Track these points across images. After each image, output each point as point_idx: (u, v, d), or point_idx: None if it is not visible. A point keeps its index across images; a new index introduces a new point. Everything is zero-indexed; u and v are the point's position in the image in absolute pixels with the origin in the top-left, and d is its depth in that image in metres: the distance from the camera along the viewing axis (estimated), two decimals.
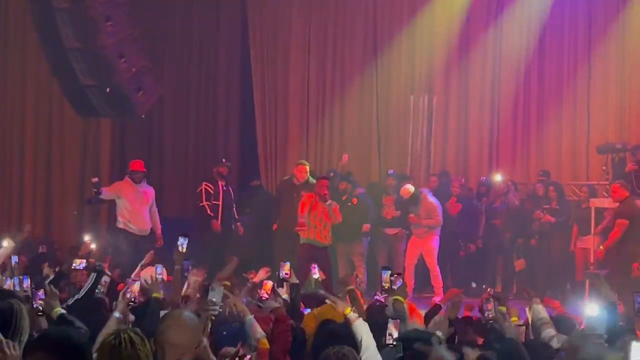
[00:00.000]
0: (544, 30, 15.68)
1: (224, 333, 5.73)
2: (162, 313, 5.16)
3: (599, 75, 15.18)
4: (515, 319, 6.70)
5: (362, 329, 5.34)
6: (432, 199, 13.24)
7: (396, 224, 13.70)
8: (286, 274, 7.63)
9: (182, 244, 7.26)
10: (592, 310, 5.92)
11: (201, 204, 13.40)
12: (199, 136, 16.96)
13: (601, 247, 12.25)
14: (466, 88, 16.35)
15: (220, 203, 13.37)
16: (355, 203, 13.33)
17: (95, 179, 12.27)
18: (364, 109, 16.62)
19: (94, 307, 6.90)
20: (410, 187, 13.30)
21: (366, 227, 13.33)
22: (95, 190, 12.14)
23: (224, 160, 13.85)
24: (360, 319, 5.48)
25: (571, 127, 15.44)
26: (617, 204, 11.71)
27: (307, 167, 13.35)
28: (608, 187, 13.21)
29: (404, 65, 16.64)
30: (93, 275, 7.86)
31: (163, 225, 12.71)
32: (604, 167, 13.68)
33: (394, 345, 4.74)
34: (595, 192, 13.80)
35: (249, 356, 3.98)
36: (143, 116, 14.28)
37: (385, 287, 7.06)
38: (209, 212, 13.32)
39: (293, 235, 12.45)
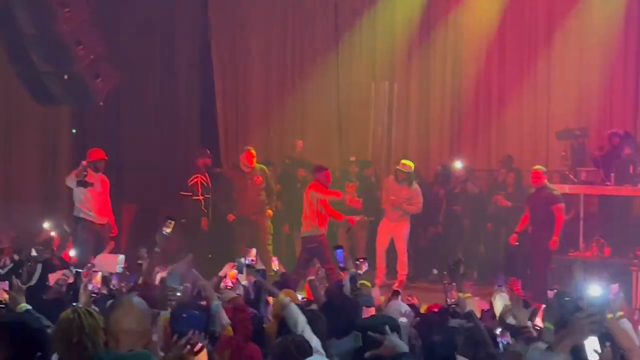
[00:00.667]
0: (504, 17, 15.70)
1: (184, 315, 5.70)
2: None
3: (559, 62, 15.23)
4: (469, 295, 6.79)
5: (294, 310, 5.43)
6: (416, 184, 13.22)
7: (359, 211, 13.67)
8: (252, 260, 7.59)
9: (168, 227, 7.27)
10: (594, 291, 6.00)
11: (196, 198, 13.38)
12: (158, 124, 16.79)
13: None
14: (427, 74, 16.39)
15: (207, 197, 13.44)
16: None
17: (84, 162, 12.01)
18: (325, 96, 16.59)
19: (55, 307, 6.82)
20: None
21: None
22: (85, 173, 11.91)
23: (208, 151, 13.83)
24: (292, 303, 5.56)
25: (531, 114, 15.49)
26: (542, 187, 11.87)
27: (253, 152, 13.07)
28: (567, 173, 13.31)
29: (365, 52, 16.64)
30: (39, 265, 7.76)
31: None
32: (564, 153, 13.75)
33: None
34: (554, 178, 13.87)
35: (200, 344, 3.92)
36: (101, 103, 14.13)
37: (341, 266, 7.07)
38: (203, 207, 13.25)
39: (252, 223, 12.44)
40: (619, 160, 12.26)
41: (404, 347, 4.04)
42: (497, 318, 6.26)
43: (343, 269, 7.11)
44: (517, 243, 12.12)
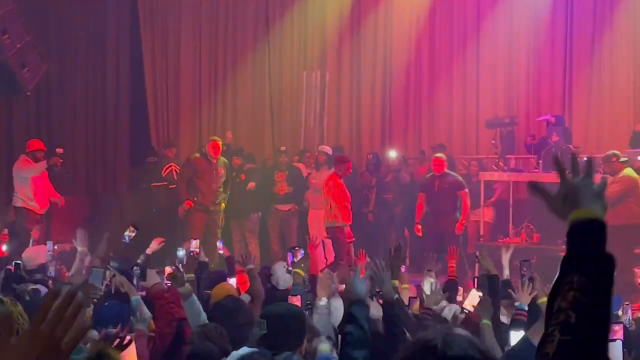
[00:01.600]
0: (434, 6, 15.83)
1: (106, 304, 5.65)
2: None
3: (488, 51, 15.40)
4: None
5: (195, 302, 5.53)
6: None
7: (289, 200, 13.68)
8: (193, 251, 7.53)
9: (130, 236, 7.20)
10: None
11: (172, 187, 13.38)
12: (88, 114, 16.52)
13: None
14: (358, 63, 16.46)
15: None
16: (243, 179, 13.32)
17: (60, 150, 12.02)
18: (256, 85, 16.55)
19: None
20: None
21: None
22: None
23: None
24: (193, 294, 5.64)
25: (461, 102, 15.66)
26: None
27: (220, 143, 12.82)
28: (497, 160, 13.48)
29: (296, 41, 16.64)
30: None
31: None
32: (493, 141, 13.92)
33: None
34: (485, 166, 14.07)
35: (129, 337, 3.88)
36: (29, 93, 13.90)
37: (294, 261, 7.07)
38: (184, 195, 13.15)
39: (210, 213, 12.35)
40: (547, 146, 12.44)
41: (362, 294, 3.99)
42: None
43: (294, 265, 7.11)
44: (421, 234, 12.14)
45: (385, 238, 14.09)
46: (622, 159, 10.91)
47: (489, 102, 15.31)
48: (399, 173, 14.11)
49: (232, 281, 7.43)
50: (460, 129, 15.65)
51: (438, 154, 12.34)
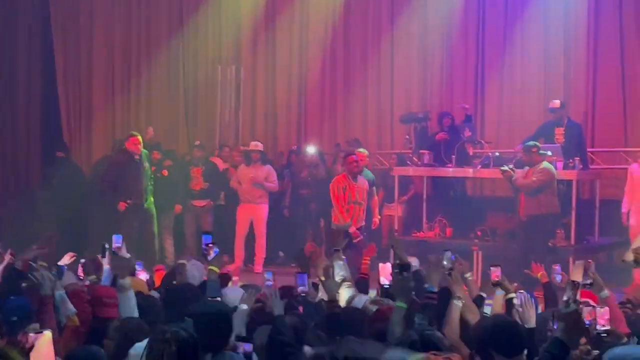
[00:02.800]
0: (349, 1, 15.89)
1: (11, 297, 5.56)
2: None
3: (402, 46, 15.50)
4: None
5: (130, 297, 5.50)
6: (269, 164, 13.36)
7: (204, 196, 13.59)
8: (116, 246, 7.40)
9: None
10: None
11: None
12: None
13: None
14: (274, 58, 16.45)
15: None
16: (165, 175, 13.17)
17: None
18: (170, 80, 16.44)
19: None
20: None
21: (178, 208, 13.36)
22: None
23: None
24: (131, 289, 5.58)
25: (376, 97, 15.73)
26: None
27: (140, 138, 12.37)
28: (411, 155, 13.59)
29: (210, 36, 16.56)
30: None
31: None
32: (407, 136, 14.01)
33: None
34: (400, 161, 14.17)
35: (32, 335, 3.79)
36: None
37: (206, 254, 6.98)
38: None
39: (144, 211, 12.08)
40: (460, 142, 12.60)
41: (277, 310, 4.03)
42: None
43: (205, 257, 7.01)
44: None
45: (301, 234, 14.10)
46: (541, 152, 11.13)
47: (403, 97, 15.42)
48: (316, 169, 14.12)
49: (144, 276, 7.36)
50: (375, 124, 15.74)
51: (361, 149, 12.39)
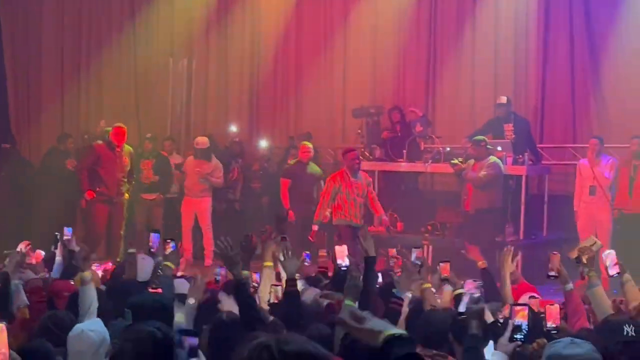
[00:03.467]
0: None
1: None
2: None
3: (355, 41, 15.52)
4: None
5: (90, 290, 5.43)
6: (215, 158, 13.24)
7: (154, 189, 13.50)
8: (66, 238, 7.31)
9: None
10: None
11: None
12: None
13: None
14: (225, 51, 16.39)
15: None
16: None
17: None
18: (121, 72, 16.32)
19: None
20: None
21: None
22: None
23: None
24: (91, 283, 5.52)
25: (328, 91, 15.74)
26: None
27: (125, 129, 12.04)
28: (363, 150, 13.62)
29: (162, 27, 16.45)
30: None
31: None
32: (359, 131, 14.05)
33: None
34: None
35: None
36: None
37: (152, 251, 6.93)
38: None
39: (114, 203, 11.82)
40: (411, 137, 12.66)
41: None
42: None
43: (152, 253, 6.95)
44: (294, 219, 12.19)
45: (252, 227, 14.06)
46: (489, 146, 11.23)
47: (355, 91, 15.43)
48: (267, 162, 14.09)
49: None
50: (327, 118, 15.75)
51: (306, 142, 12.42)
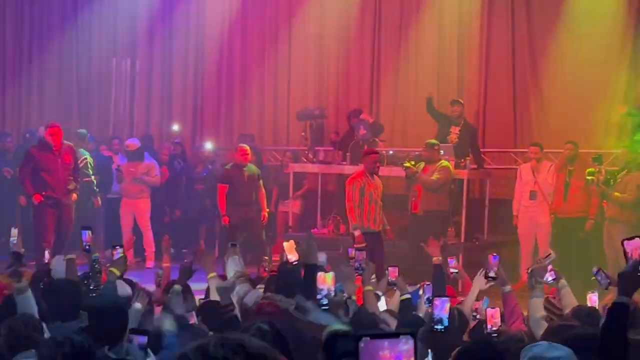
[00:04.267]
0: None
1: None
2: None
3: (299, 43, 15.54)
4: None
5: (29, 297, 5.39)
6: (149, 158, 13.24)
7: (96, 192, 13.38)
8: (12, 239, 7.22)
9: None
10: None
11: (87, 179, 12.70)
12: None
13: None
14: (170, 51, 16.31)
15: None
16: None
17: None
18: (63, 71, 16.13)
19: None
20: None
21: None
22: None
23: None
24: (28, 291, 5.46)
25: (273, 93, 15.74)
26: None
27: (60, 128, 11.69)
28: (307, 152, 13.67)
29: (105, 27, 16.30)
30: None
31: None
32: (303, 133, 14.09)
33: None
34: (295, 158, 14.24)
35: None
36: None
37: (87, 248, 6.87)
38: (95, 187, 12.65)
39: (62, 206, 11.41)
40: (354, 140, 12.70)
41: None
42: None
43: (88, 252, 6.89)
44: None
45: (195, 229, 14.03)
46: (441, 151, 11.38)
47: (299, 94, 15.47)
48: (213, 164, 14.04)
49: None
50: (271, 120, 15.75)
51: (243, 145, 12.37)
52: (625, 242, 3.96)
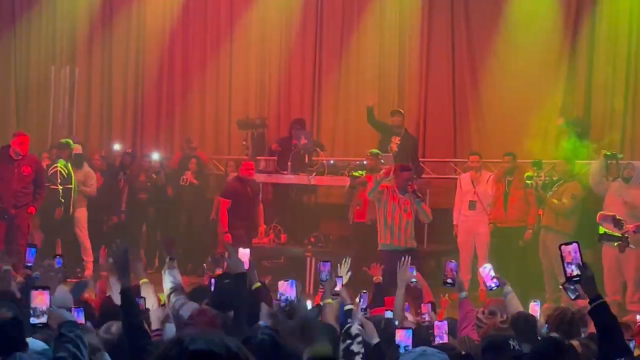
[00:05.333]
0: (188, 4, 15.81)
1: None
2: None
3: (241, 51, 15.52)
4: None
5: None
6: (88, 167, 13.10)
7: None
8: None
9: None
10: None
11: (53, 187, 12.17)
12: None
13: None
14: (110, 59, 16.19)
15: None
16: None
17: None
18: (1, 80, 15.97)
19: None
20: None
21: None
22: None
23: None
24: None
25: (214, 102, 15.68)
26: None
27: (28, 138, 11.51)
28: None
29: (44, 34, 16.15)
30: None
31: None
32: (244, 142, 14.07)
33: None
34: (236, 167, 14.22)
35: None
36: None
37: (28, 265, 6.79)
38: (60, 196, 12.21)
39: (10, 218, 11.11)
40: (295, 149, 12.72)
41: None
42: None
43: (29, 269, 6.82)
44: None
45: (136, 238, 13.90)
46: (382, 160, 11.44)
47: (241, 102, 15.44)
48: (157, 174, 13.93)
49: None
50: (212, 129, 15.70)
51: (249, 159, 12.36)
52: (563, 247, 4.17)
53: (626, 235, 8.16)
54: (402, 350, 4.88)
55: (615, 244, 8.03)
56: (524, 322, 5.61)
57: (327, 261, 6.72)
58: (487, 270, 6.63)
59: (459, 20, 13.85)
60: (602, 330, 4.23)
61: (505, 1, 13.42)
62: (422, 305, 7.05)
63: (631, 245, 8.03)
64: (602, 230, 8.06)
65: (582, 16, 13.01)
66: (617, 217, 8.44)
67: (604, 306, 4.20)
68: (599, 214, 9.23)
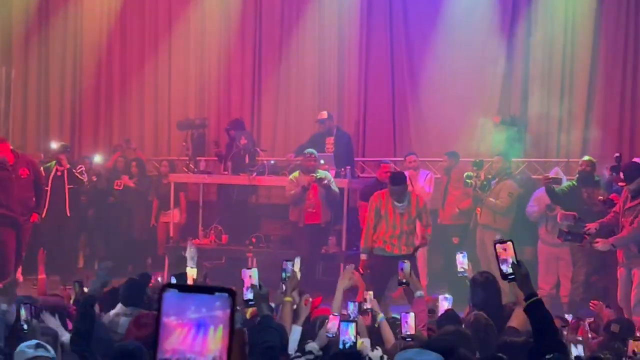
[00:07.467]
0: (125, 3, 15.72)
1: None
2: None
3: (180, 51, 15.44)
4: None
5: None
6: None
7: None
8: None
9: None
10: None
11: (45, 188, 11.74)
12: None
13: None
14: (47, 59, 16.03)
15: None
16: None
17: None
18: None
19: None
20: None
21: None
22: None
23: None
24: None
25: (153, 102, 15.60)
26: None
27: (9, 142, 11.23)
28: (188, 162, 13.63)
29: None
30: None
31: None
32: (184, 143, 14.02)
33: None
34: (175, 168, 14.19)
35: None
36: None
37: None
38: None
39: (21, 225, 10.76)
40: (236, 150, 12.71)
41: None
42: None
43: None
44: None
45: (75, 240, 13.77)
46: (321, 161, 11.54)
47: (180, 103, 15.38)
48: (97, 177, 13.80)
49: None
50: (152, 130, 15.61)
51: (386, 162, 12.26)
52: (497, 244, 4.29)
53: (588, 234, 8.45)
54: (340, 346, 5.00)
55: (577, 244, 8.33)
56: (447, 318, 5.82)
57: (289, 260, 6.71)
58: (461, 257, 6.84)
59: (397, 18, 13.93)
60: (538, 327, 4.32)
61: (443, 0, 13.55)
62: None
63: (598, 247, 8.37)
64: (564, 229, 8.39)
65: (518, 15, 13.19)
66: (577, 216, 8.72)
67: (539, 303, 4.28)
68: (559, 213, 9.56)
